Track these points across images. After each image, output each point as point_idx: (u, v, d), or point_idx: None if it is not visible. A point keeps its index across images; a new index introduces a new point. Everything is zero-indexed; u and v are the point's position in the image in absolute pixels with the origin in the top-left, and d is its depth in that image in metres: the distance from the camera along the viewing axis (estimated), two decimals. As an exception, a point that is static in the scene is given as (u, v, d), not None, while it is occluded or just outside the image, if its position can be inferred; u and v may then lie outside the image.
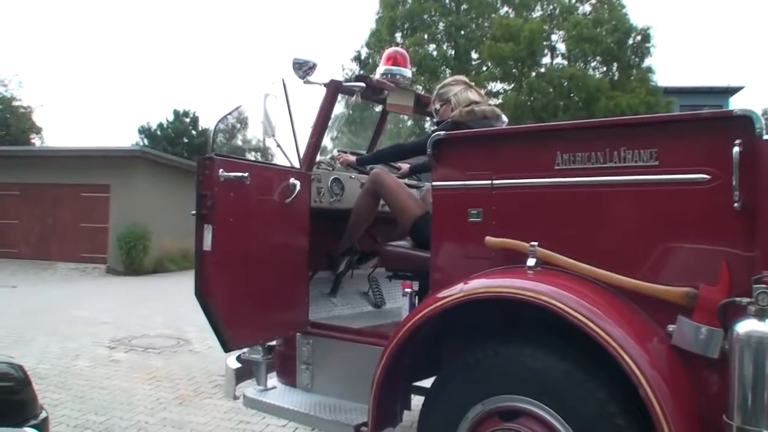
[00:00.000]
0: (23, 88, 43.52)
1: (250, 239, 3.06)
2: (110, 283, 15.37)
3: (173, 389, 5.53)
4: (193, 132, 34.96)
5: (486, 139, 2.83)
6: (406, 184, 4.01)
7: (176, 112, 35.41)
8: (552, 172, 2.45)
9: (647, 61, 23.83)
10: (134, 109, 69.48)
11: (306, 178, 3.35)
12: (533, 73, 24.11)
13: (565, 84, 23.02)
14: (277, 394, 3.45)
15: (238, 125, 41.98)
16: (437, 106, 3.61)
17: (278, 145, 3.35)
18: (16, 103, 33.09)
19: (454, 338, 2.76)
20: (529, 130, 2.77)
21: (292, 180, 3.21)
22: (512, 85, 25.31)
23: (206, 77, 72.60)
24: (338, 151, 3.95)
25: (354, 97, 3.74)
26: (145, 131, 35.52)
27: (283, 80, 3.30)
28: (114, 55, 69.11)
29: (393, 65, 3.98)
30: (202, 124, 35.21)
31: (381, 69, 4.00)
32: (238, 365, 3.62)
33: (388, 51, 4.15)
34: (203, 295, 2.85)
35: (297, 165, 3.42)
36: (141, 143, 33.60)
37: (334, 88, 3.52)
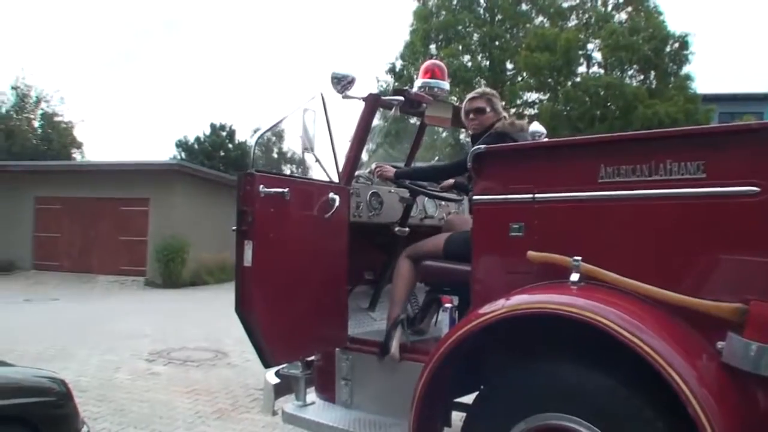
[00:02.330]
0: (64, 104, 44.33)
1: (290, 254, 3.07)
2: (149, 296, 15.57)
3: (212, 403, 5.56)
4: (230, 145, 35.29)
5: (528, 152, 2.81)
6: (444, 195, 4.02)
7: (213, 126, 35.79)
8: (595, 185, 2.42)
9: (685, 69, 23.46)
10: (172, 122, 70.55)
11: (345, 193, 3.35)
12: (569, 83, 23.89)
13: (602, 93, 22.75)
14: (316, 410, 3.45)
15: (275, 138, 42.42)
16: (484, 106, 3.45)
17: (317, 160, 3.36)
18: (57, 119, 33.86)
19: (496, 354, 2.72)
20: (572, 142, 2.74)
21: (331, 195, 3.21)
22: (548, 94, 25.12)
23: (242, 91, 73.51)
24: (375, 164, 3.94)
25: (393, 111, 3.73)
26: (182, 145, 35.98)
27: (321, 95, 3.32)
28: (152, 70, 70.37)
29: (431, 78, 3.97)
30: (239, 137, 35.55)
31: (419, 82, 3.99)
32: (277, 380, 3.62)
33: (425, 64, 4.14)
34: (244, 311, 2.86)
35: (336, 179, 3.43)
36: (178, 157, 34.05)
37: (373, 102, 3.52)
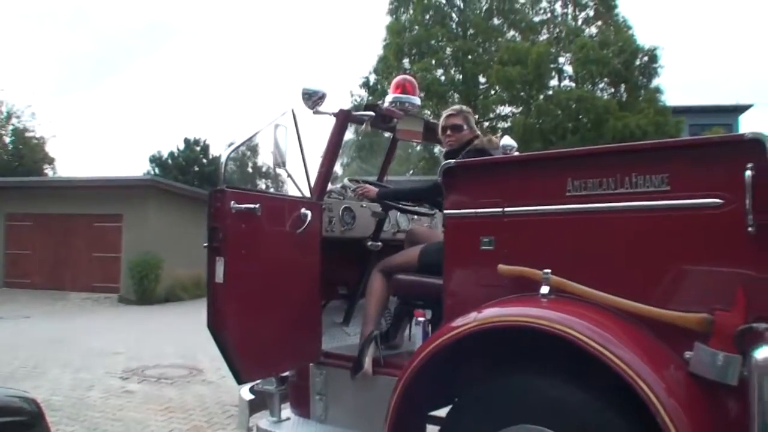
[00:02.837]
0: (36, 119, 43.83)
1: (262, 270, 3.06)
2: (123, 313, 15.39)
3: (186, 420, 5.51)
4: (204, 160, 35.15)
5: (496, 166, 2.84)
6: (416, 210, 4.04)
7: (187, 141, 35.65)
8: (563, 198, 2.45)
9: (655, 82, 23.86)
10: (145, 138, 70.09)
11: (317, 208, 3.36)
12: (541, 96, 24.16)
13: (573, 106, 23.06)
14: (290, 426, 3.43)
15: (249, 153, 42.26)
16: (461, 123, 3.54)
17: (289, 175, 3.37)
18: (29, 134, 33.47)
19: (469, 367, 2.73)
20: (539, 157, 2.79)
21: (303, 210, 3.21)
22: (520, 108, 25.38)
23: (216, 106, 73.24)
24: (350, 179, 3.94)
25: (364, 126, 3.75)
26: (156, 160, 35.77)
27: (293, 111, 3.33)
28: (125, 85, 69.89)
29: (402, 93, 3.98)
30: (213, 152, 35.43)
31: (390, 97, 4.00)
32: (252, 396, 3.60)
33: (396, 79, 4.15)
34: (216, 327, 2.85)
35: (308, 194, 3.44)
36: (152, 172, 33.83)
37: (344, 118, 3.54)
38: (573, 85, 24.96)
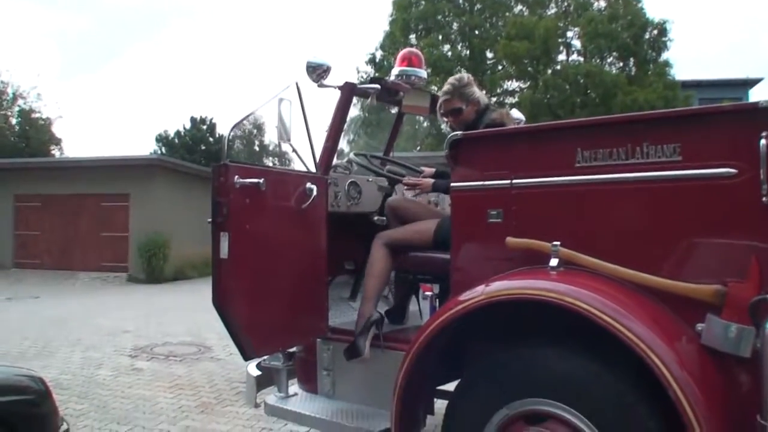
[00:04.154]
0: (42, 100, 43.97)
1: (268, 246, 3.03)
2: (132, 292, 15.46)
3: (195, 397, 5.53)
4: (211, 139, 35.13)
5: (504, 137, 2.78)
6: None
7: (193, 120, 35.62)
8: (572, 170, 2.41)
9: (664, 55, 23.60)
10: (152, 117, 70.03)
11: (322, 183, 3.32)
12: (549, 71, 23.98)
13: (582, 81, 22.87)
14: (298, 401, 3.43)
15: (255, 131, 42.18)
16: (461, 105, 3.36)
17: (294, 150, 3.33)
18: (35, 116, 33.47)
19: (477, 341, 2.71)
20: (548, 127, 2.72)
21: (308, 185, 3.17)
22: (528, 83, 25.21)
23: (222, 84, 73.00)
24: (356, 154, 3.87)
25: (369, 100, 3.70)
26: (162, 139, 35.79)
27: (297, 84, 3.28)
28: (131, 65, 69.72)
29: (408, 66, 3.94)
30: (219, 130, 35.41)
31: (396, 70, 3.96)
32: (259, 373, 3.59)
33: (402, 52, 4.10)
34: (221, 304, 2.83)
35: (313, 169, 3.40)
36: (159, 152, 33.85)
37: (349, 91, 3.48)
38: (581, 59, 24.75)
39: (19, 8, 59.48)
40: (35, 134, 32.53)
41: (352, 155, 3.80)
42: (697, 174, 2.15)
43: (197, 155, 32.35)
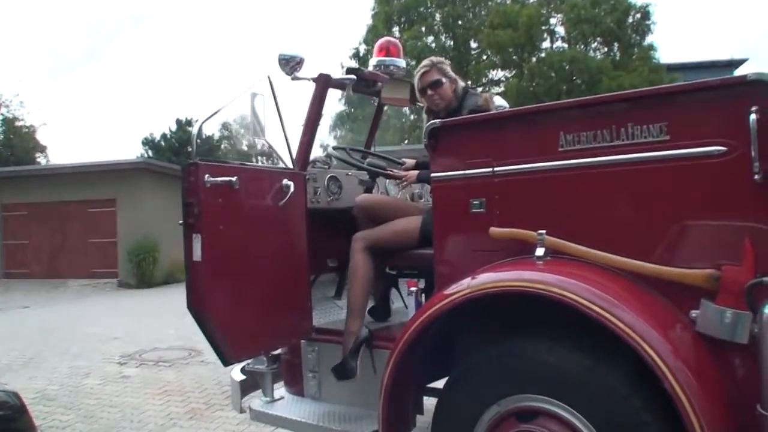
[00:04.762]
0: (25, 107, 43.75)
1: (244, 246, 2.91)
2: (122, 297, 15.30)
3: (184, 403, 5.42)
4: (198, 141, 34.88)
5: (484, 124, 2.67)
6: None
7: (179, 122, 35.41)
8: (556, 154, 2.31)
9: (648, 39, 23.60)
10: (138, 121, 69.54)
11: (300, 179, 3.20)
12: (534, 59, 23.94)
13: (567, 67, 22.82)
14: (284, 405, 3.32)
15: (242, 130, 41.93)
16: (439, 77, 3.19)
17: (269, 146, 3.22)
18: (18, 124, 33.21)
19: (465, 336, 2.61)
20: (528, 111, 2.61)
21: (285, 181, 3.06)
22: (513, 72, 25.15)
23: (207, 84, 72.49)
24: (335, 147, 3.76)
25: (346, 91, 3.58)
26: (149, 143, 35.58)
27: (269, 77, 3.16)
28: (114, 68, 69.20)
29: (386, 56, 3.84)
30: (206, 131, 35.21)
31: (374, 60, 3.86)
32: (243, 377, 3.48)
33: (380, 41, 4.01)
34: (196, 308, 2.72)
35: (290, 165, 3.29)
36: (146, 155, 33.62)
37: (324, 83, 3.36)
38: (565, 46, 24.72)
39: (-2, 16, 58.95)
40: (20, 142, 32.30)
41: (330, 149, 3.69)
42: (686, 153, 2.05)
43: (184, 157, 32.10)
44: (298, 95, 3.82)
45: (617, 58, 23.56)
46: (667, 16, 55.45)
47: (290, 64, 3.20)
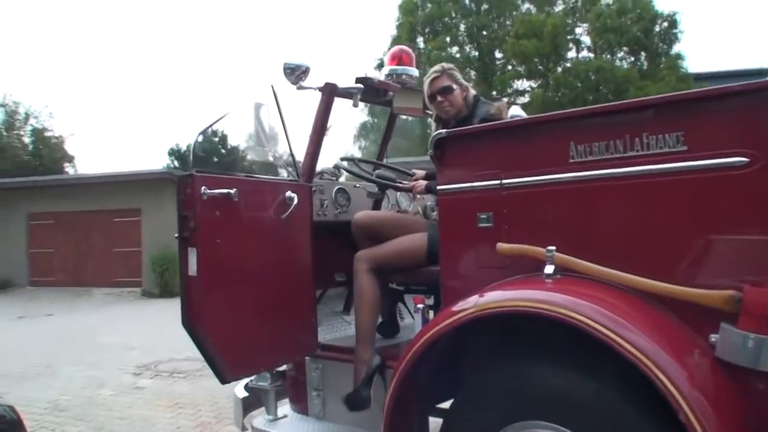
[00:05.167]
0: (54, 118, 44.81)
1: (243, 260, 2.81)
2: (144, 307, 15.34)
3: (195, 416, 5.34)
4: (223, 151, 35.13)
5: (491, 133, 2.55)
6: None
7: (206, 132, 35.66)
8: (566, 166, 2.18)
9: (676, 48, 23.28)
10: (165, 131, 70.25)
11: (304, 190, 3.09)
12: (559, 69, 23.72)
13: (593, 77, 22.58)
14: (286, 424, 3.21)
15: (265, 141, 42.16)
16: (450, 83, 3.08)
17: (275, 157, 3.13)
18: (47, 134, 33.71)
19: (472, 355, 2.49)
20: (537, 120, 2.49)
21: (288, 193, 2.96)
22: (539, 82, 24.94)
23: (233, 95, 73.03)
24: (343, 159, 3.66)
25: (353, 101, 3.47)
26: (175, 153, 35.84)
27: (272, 86, 3.07)
28: (142, 79, 70.03)
29: (398, 65, 3.73)
30: (231, 142, 35.43)
31: (386, 69, 3.75)
32: (246, 394, 3.39)
33: (392, 50, 3.90)
34: (191, 324, 2.62)
35: (296, 176, 3.20)
36: (172, 165, 33.88)
37: (330, 92, 3.26)
38: (591, 55, 24.48)
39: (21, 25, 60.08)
40: (48, 152, 32.75)
41: (338, 160, 3.58)
42: (705, 165, 1.91)
43: (210, 168, 32.31)
44: (305, 105, 3.74)
45: (644, 67, 23.27)
46: (695, 25, 54.73)
47: (296, 73, 3.11)
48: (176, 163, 34.68)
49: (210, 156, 34.91)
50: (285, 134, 3.14)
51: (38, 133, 33.36)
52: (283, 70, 3.11)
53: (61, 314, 13.93)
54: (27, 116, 33.37)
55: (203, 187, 2.61)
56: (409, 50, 3.92)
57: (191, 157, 2.73)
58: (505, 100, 23.40)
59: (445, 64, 3.19)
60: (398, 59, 3.76)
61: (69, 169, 34.32)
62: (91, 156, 66.19)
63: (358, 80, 3.46)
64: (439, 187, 2.55)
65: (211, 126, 2.80)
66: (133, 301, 16.94)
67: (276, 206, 2.94)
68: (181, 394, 6.16)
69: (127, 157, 65.70)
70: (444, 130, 2.56)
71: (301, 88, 3.14)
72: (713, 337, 1.85)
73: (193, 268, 2.59)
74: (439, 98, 3.10)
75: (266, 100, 3.03)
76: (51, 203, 19.21)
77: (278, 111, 3.06)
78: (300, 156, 3.26)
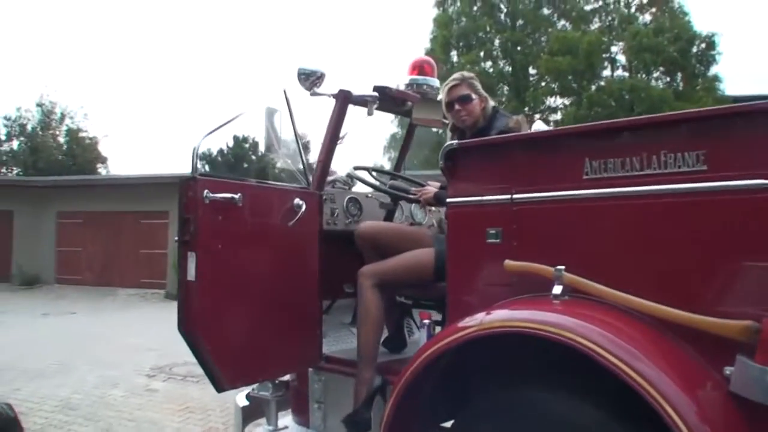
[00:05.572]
0: (88, 119, 45.62)
1: (245, 267, 2.74)
2: (167, 308, 15.31)
3: (203, 421, 5.30)
4: (253, 157, 35.35)
5: (503, 146, 2.46)
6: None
7: (236, 138, 35.89)
8: (580, 182, 2.08)
9: (713, 69, 22.92)
10: (197, 134, 70.82)
11: (313, 198, 3.02)
12: (593, 87, 23.49)
13: (627, 96, 22.34)
14: (286, 436, 3.14)
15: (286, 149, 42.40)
16: (469, 92, 2.98)
17: (285, 162, 3.07)
18: (82, 134, 34.29)
19: (476, 375, 2.39)
20: (551, 134, 2.40)
21: (296, 200, 2.89)
22: (572, 99, 24.73)
23: (265, 103, 73.50)
24: (356, 168, 3.58)
25: (368, 109, 3.39)
26: (205, 157, 36.11)
27: (284, 92, 3.01)
28: (176, 83, 70.85)
29: (419, 75, 3.65)
30: (261, 149, 35.62)
31: (406, 79, 3.68)
32: (246, 403, 3.32)
33: (414, 60, 3.82)
34: (187, 330, 2.55)
35: (307, 183, 3.13)
36: (202, 169, 34.21)
37: (344, 100, 3.18)
38: (626, 74, 24.23)
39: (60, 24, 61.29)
40: (82, 153, 33.29)
41: (351, 169, 3.51)
42: (727, 186, 1.80)
43: (239, 173, 32.53)
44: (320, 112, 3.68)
45: (680, 88, 22.94)
46: (734, 46, 53.89)
47: (310, 79, 3.04)
48: (206, 168, 34.97)
49: (240, 162, 35.16)
50: (296, 141, 3.09)
51: (73, 134, 33.96)
52: (297, 75, 3.05)
53: (84, 313, 14.04)
54: (63, 116, 34.10)
55: (206, 191, 2.55)
56: (431, 60, 3.84)
57: (194, 161, 2.67)
58: (538, 116, 23.27)
59: (465, 73, 3.11)
60: (419, 69, 3.68)
61: (101, 170, 34.87)
62: (124, 158, 67.10)
63: (375, 89, 3.39)
64: (448, 200, 2.47)
65: (216, 130, 2.74)
66: (157, 302, 17.02)
67: (283, 213, 2.87)
68: (192, 398, 6.12)
69: (159, 159, 66.50)
70: (455, 141, 2.48)
71: (314, 94, 3.08)
72: (728, 370, 1.73)
73: (191, 273, 2.52)
74: (456, 107, 3.00)
75: (279, 106, 2.98)
76: (80, 202, 19.53)
77: (290, 117, 3.01)
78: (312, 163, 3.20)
